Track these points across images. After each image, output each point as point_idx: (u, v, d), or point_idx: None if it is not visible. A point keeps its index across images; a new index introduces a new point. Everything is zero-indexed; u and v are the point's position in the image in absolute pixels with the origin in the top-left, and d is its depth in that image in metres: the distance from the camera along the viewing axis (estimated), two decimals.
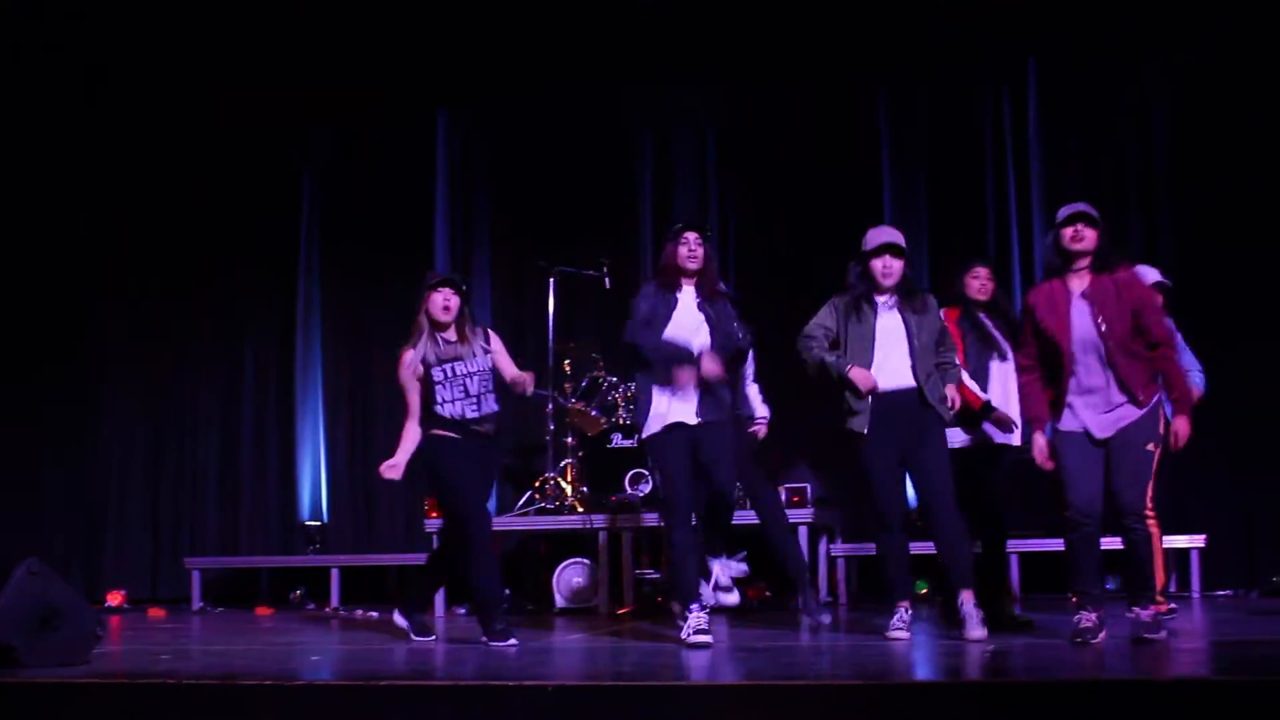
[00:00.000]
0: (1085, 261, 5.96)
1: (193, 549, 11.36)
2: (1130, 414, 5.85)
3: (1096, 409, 5.89)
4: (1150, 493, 5.82)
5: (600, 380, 9.88)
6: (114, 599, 10.76)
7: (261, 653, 6.67)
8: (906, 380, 6.37)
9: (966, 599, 6.28)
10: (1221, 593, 9.34)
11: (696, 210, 11.14)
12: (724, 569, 7.68)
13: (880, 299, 6.46)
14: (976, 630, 6.16)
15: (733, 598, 7.80)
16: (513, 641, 6.50)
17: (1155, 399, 5.89)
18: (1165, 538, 6.38)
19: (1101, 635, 5.81)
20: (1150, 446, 5.82)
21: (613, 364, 10.12)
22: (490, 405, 6.76)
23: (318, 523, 11.44)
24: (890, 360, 6.37)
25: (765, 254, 10.95)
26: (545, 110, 11.55)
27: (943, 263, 10.24)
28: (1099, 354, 5.88)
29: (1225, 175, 10.11)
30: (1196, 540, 9.13)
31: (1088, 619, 5.83)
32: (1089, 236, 5.93)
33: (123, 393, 12.03)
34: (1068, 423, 5.95)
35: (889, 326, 6.42)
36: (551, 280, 10.04)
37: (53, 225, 12.11)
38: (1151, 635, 5.73)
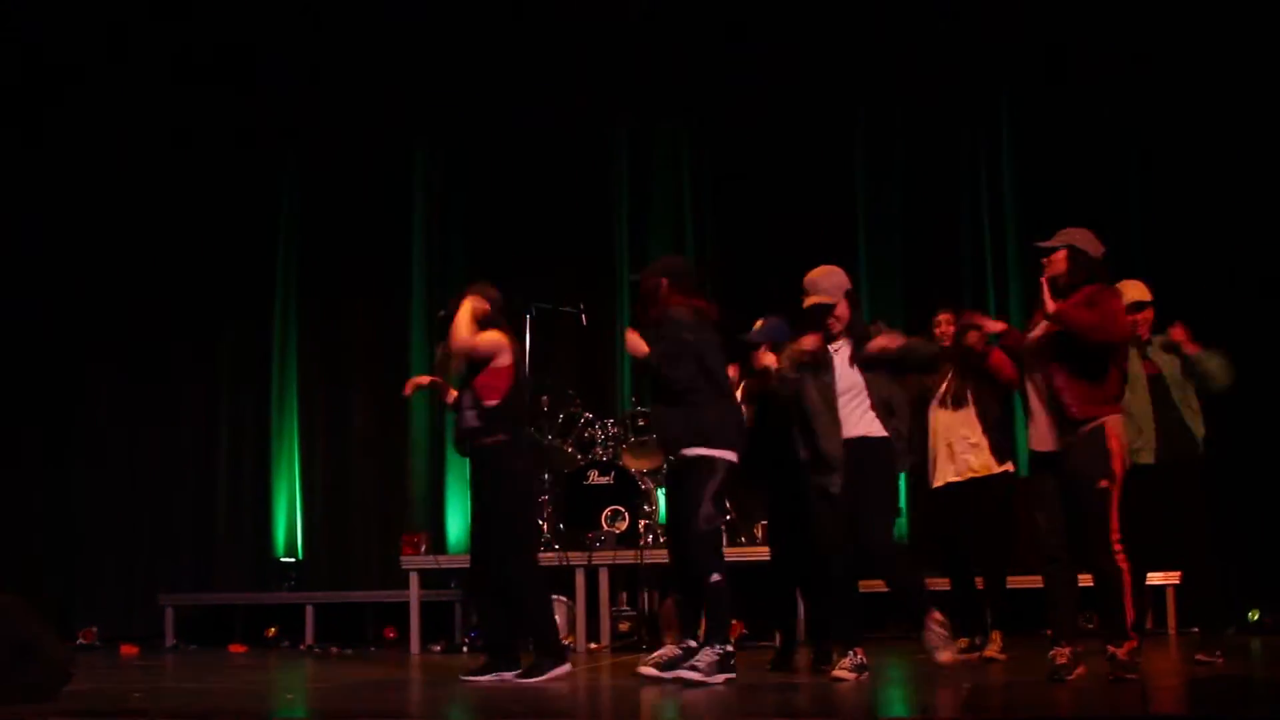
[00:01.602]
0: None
1: (166, 585, 11.26)
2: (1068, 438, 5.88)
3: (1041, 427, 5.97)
4: (1116, 525, 5.80)
5: (577, 417, 9.89)
6: (86, 636, 10.66)
7: (236, 691, 6.62)
8: (853, 431, 6.30)
9: (931, 621, 6.21)
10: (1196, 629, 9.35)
11: (673, 247, 11.21)
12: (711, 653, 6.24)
13: (833, 346, 6.39)
14: (944, 653, 6.17)
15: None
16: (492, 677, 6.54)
17: (1097, 423, 5.85)
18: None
19: (1077, 672, 5.82)
20: (1103, 484, 5.81)
21: (589, 400, 10.14)
22: (467, 419, 6.67)
23: (293, 559, 11.39)
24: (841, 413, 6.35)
25: (743, 291, 10.97)
26: (522, 146, 11.58)
27: (918, 291, 10.58)
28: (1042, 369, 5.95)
29: (1195, 203, 10.24)
30: (1171, 578, 9.15)
31: (1062, 655, 5.83)
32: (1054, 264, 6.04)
33: (96, 428, 11.94)
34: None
35: (843, 379, 6.34)
36: (528, 317, 10.04)
37: (29, 269, 12.06)
38: (1127, 674, 5.73)
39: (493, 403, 6.61)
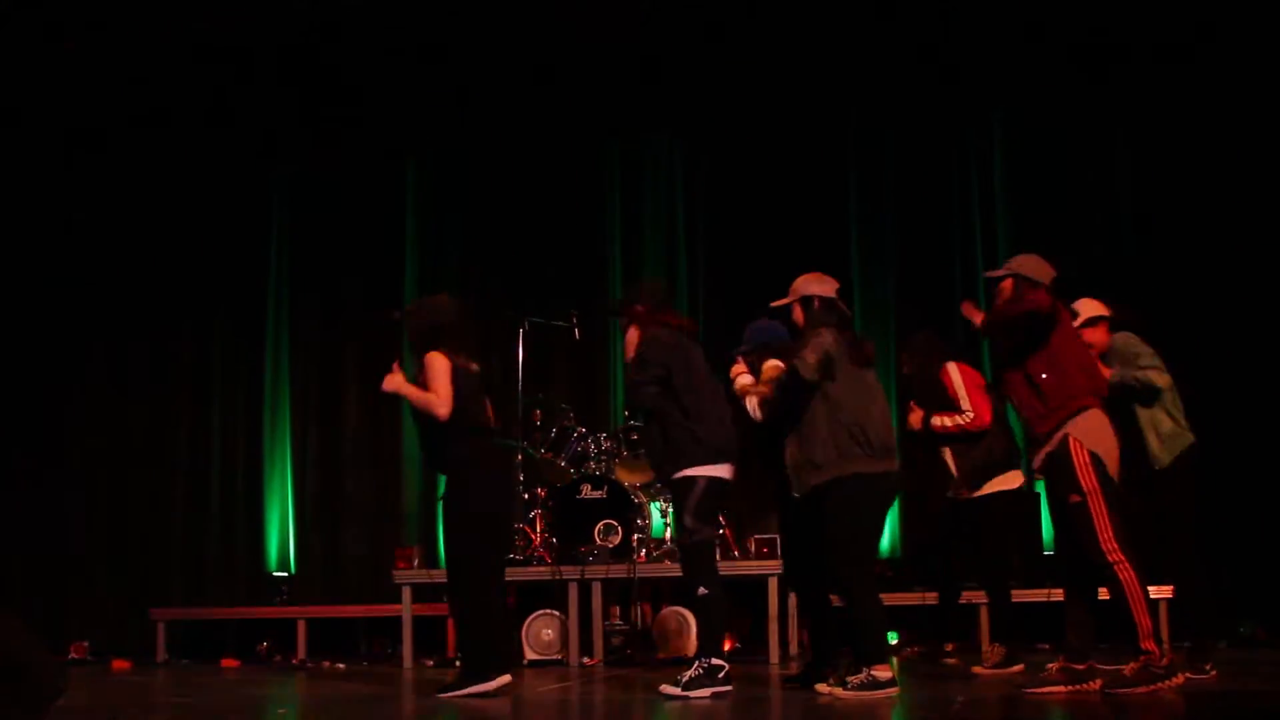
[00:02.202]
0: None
1: (158, 600, 11.22)
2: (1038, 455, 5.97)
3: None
4: (1107, 536, 5.78)
5: (570, 431, 9.88)
6: (77, 651, 10.63)
7: (228, 706, 6.61)
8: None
9: (873, 672, 5.84)
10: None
11: (665, 260, 11.24)
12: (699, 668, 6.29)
13: None
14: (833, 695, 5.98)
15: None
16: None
17: (1060, 435, 5.86)
18: None
19: (1058, 688, 5.87)
20: (1074, 499, 5.82)
21: (582, 414, 10.14)
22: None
23: (285, 573, 11.37)
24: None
25: (735, 301, 10.97)
26: (514, 157, 11.60)
27: (913, 293, 10.76)
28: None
29: (1187, 213, 10.28)
30: (1164, 591, 9.13)
31: (1050, 668, 5.99)
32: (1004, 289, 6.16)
33: (86, 441, 11.91)
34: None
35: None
36: (521, 330, 10.03)
37: (19, 277, 12.03)
38: (1122, 689, 5.72)
39: (442, 411, 6.56)
